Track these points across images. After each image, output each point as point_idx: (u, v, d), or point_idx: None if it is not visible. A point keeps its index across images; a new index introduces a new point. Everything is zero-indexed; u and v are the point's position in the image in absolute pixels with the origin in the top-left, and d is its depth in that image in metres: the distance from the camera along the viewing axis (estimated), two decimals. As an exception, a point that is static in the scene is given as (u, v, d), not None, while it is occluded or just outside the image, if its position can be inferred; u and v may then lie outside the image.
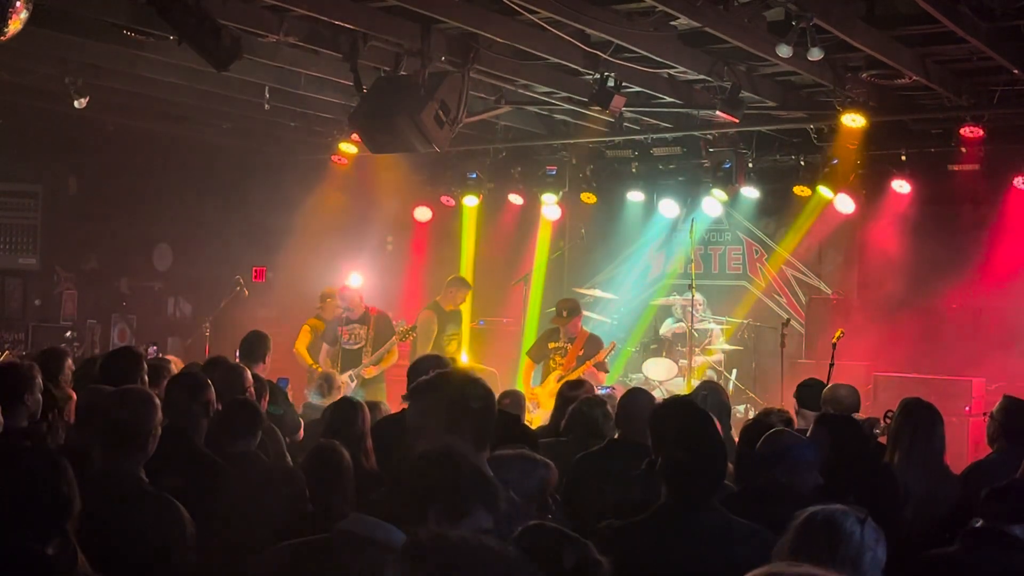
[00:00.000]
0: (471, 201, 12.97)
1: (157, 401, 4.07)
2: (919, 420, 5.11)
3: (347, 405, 5.17)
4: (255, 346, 7.09)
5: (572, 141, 11.93)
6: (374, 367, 9.78)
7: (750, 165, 11.28)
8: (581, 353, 9.67)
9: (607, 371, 9.88)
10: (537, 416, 8.85)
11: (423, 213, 13.40)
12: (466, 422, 3.24)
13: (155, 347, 10.00)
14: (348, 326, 10.03)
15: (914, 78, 8.55)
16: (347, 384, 9.07)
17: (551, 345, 9.95)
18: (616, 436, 5.39)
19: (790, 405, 6.92)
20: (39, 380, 5.05)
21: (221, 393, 5.06)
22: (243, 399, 5.18)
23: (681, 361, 11.44)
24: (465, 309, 11.31)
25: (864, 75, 8.93)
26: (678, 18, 7.34)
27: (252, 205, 12.49)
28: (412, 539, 1.95)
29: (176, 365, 6.54)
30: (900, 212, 11.04)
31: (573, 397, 6.00)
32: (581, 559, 2.59)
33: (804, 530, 2.81)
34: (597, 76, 8.40)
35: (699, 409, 4.11)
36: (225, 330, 11.59)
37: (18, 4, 5.79)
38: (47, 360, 6.00)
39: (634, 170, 12.13)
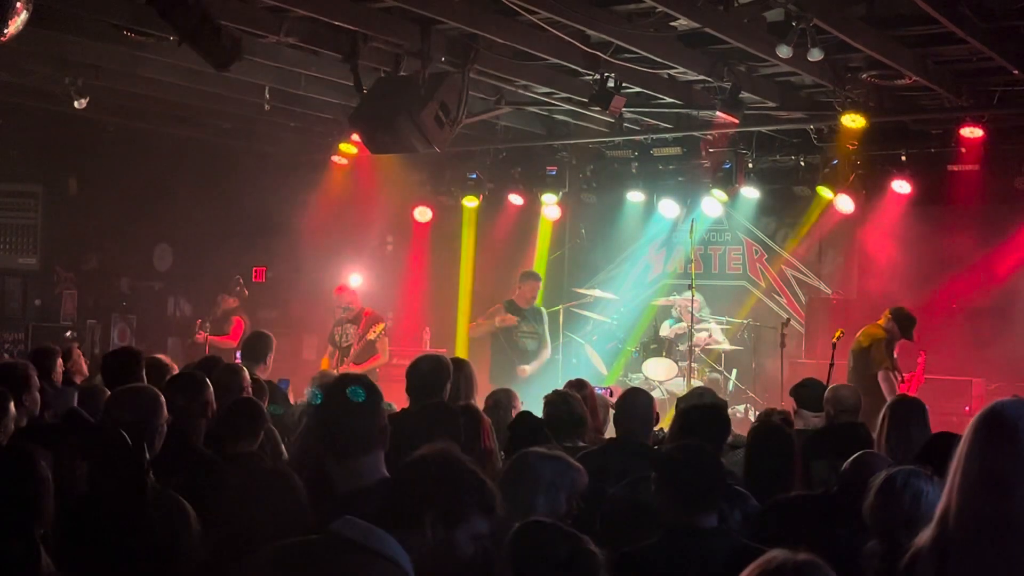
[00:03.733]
0: (471, 201, 12.97)
1: (163, 399, 4.08)
2: (895, 415, 5.14)
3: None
4: (257, 347, 7.07)
5: (572, 141, 11.93)
6: (355, 365, 9.91)
7: (750, 165, 11.28)
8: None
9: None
10: None
11: (423, 213, 13.40)
12: (335, 426, 3.27)
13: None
14: (342, 325, 10.34)
15: (914, 78, 8.55)
16: None
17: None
18: (616, 435, 5.40)
19: (790, 405, 6.92)
20: (36, 379, 5.06)
21: (219, 393, 5.06)
22: (246, 399, 5.18)
23: (681, 361, 11.45)
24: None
25: (864, 75, 8.93)
26: (678, 19, 7.34)
27: (252, 205, 12.48)
28: None
29: (169, 365, 6.53)
30: (900, 212, 11.03)
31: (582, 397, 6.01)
32: (575, 551, 2.60)
33: (887, 491, 3.27)
34: (597, 76, 8.40)
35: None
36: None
37: (18, 5, 5.78)
38: (39, 359, 6.01)
39: (634, 170, 12.13)
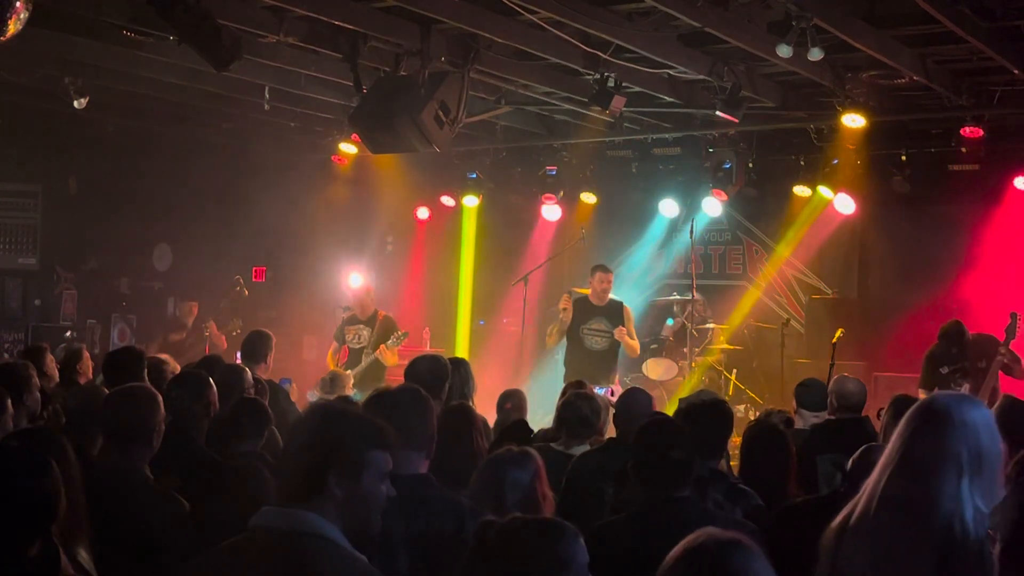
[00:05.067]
0: (471, 201, 12.96)
1: (160, 398, 4.09)
2: (897, 412, 5.13)
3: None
4: (256, 346, 7.04)
5: (572, 141, 11.93)
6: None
7: (750, 165, 11.27)
8: None
9: None
10: None
11: (423, 213, 13.39)
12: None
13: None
14: (355, 326, 10.04)
15: (914, 78, 8.55)
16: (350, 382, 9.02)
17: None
18: (615, 435, 5.40)
19: (790, 405, 6.92)
20: (36, 379, 5.07)
21: (221, 393, 5.06)
22: (251, 398, 5.19)
23: (681, 361, 11.44)
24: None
25: (864, 75, 8.93)
26: (678, 18, 7.34)
27: (252, 205, 12.48)
28: None
29: (171, 364, 6.55)
30: (900, 212, 11.04)
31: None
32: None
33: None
34: (597, 76, 8.40)
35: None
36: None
37: (18, 5, 5.79)
38: (29, 358, 6.02)
39: (634, 170, 12.13)
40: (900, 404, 5.29)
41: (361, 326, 10.02)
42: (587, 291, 9.82)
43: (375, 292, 10.49)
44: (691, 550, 2.12)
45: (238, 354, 7.83)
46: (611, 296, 9.70)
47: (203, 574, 2.60)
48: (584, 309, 9.63)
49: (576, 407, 5.46)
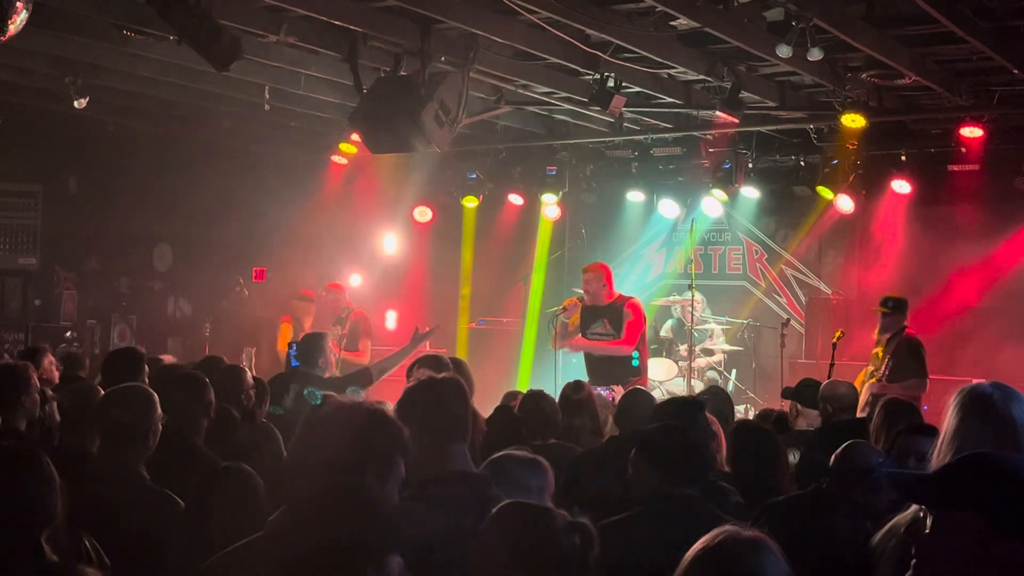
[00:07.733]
0: (471, 201, 12.96)
1: (156, 398, 4.08)
2: (889, 418, 5.16)
3: None
4: (311, 349, 6.94)
5: (572, 141, 11.93)
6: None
7: (750, 165, 11.28)
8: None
9: None
10: None
11: (423, 213, 13.39)
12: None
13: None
14: (334, 326, 10.22)
15: (914, 78, 8.54)
16: None
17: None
18: (617, 434, 5.41)
19: (784, 405, 6.92)
20: (35, 380, 5.06)
21: (219, 394, 5.05)
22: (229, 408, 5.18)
23: (681, 361, 11.45)
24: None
25: (864, 75, 8.93)
26: (678, 18, 7.34)
27: (252, 205, 12.47)
28: None
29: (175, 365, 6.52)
30: (900, 212, 11.04)
31: (577, 400, 5.98)
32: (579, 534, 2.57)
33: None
34: (597, 76, 8.41)
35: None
36: (225, 330, 11.61)
37: (18, 4, 5.78)
38: (29, 359, 6.00)
39: (634, 170, 12.13)
40: (889, 406, 5.31)
41: (336, 324, 10.25)
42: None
43: (364, 290, 10.54)
44: (709, 549, 2.10)
45: (242, 355, 7.82)
46: (618, 293, 8.87)
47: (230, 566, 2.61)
48: (586, 313, 8.86)
49: (534, 407, 5.54)
